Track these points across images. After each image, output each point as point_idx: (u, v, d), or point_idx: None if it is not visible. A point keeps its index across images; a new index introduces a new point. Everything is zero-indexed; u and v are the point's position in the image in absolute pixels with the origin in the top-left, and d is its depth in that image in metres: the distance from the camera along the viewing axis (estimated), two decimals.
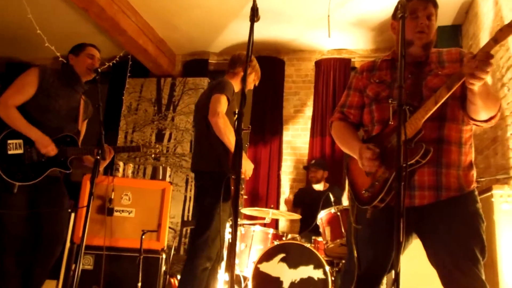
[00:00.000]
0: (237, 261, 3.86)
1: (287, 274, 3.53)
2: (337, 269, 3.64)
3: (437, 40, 1.94)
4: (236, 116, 1.61)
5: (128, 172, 3.61)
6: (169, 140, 5.85)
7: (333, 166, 5.21)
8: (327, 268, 3.45)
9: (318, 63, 5.82)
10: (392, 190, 1.67)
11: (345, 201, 4.45)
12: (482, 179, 3.41)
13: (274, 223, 5.23)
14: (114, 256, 3.16)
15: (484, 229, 1.72)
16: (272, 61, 5.91)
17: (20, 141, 2.63)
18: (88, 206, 2.19)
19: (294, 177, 5.64)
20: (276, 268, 3.56)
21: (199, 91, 5.90)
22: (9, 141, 2.60)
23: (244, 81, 1.70)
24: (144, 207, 3.32)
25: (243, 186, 2.95)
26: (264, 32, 5.43)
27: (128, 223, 3.25)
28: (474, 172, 1.82)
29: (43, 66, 2.82)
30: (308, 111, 5.77)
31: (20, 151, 2.62)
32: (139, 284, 3.02)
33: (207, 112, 2.86)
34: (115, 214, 3.24)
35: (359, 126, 2.08)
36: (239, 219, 3.92)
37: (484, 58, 1.47)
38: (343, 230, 3.48)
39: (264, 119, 5.74)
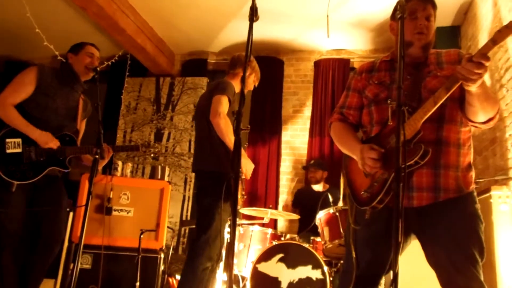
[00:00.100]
0: (235, 261, 3.86)
1: (285, 274, 3.53)
2: (335, 270, 3.64)
3: (436, 41, 1.94)
4: (235, 116, 1.62)
5: (127, 171, 3.61)
6: (167, 139, 5.85)
7: (332, 167, 5.21)
8: (326, 268, 3.45)
9: (317, 63, 5.83)
10: (391, 191, 1.68)
11: (340, 202, 4.46)
12: (480, 180, 3.42)
13: (273, 223, 5.23)
14: (113, 256, 3.16)
15: (483, 230, 1.73)
16: (271, 61, 5.91)
17: (19, 140, 2.62)
18: (86, 205, 2.18)
19: (293, 177, 5.64)
20: (274, 268, 3.57)
21: (198, 91, 5.90)
22: (7, 140, 2.60)
23: (243, 81, 1.70)
24: (143, 207, 3.32)
25: (243, 187, 2.95)
26: (263, 32, 5.43)
27: (126, 223, 3.25)
28: (473, 173, 1.82)
29: (41, 65, 2.82)
30: (307, 111, 5.78)
31: (19, 150, 2.62)
32: (137, 284, 3.02)
33: (208, 113, 2.86)
34: (114, 213, 3.24)
35: (358, 127, 2.08)
36: (237, 219, 3.93)
37: (479, 60, 1.48)
38: (341, 231, 3.49)
39: (263, 119, 5.74)
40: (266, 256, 3.61)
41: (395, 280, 1.31)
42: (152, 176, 3.64)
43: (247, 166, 2.88)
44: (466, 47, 4.58)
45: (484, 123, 1.76)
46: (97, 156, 2.34)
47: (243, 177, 2.88)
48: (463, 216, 1.73)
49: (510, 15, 3.28)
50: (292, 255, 3.57)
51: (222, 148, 2.83)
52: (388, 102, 1.74)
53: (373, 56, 5.45)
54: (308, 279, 3.47)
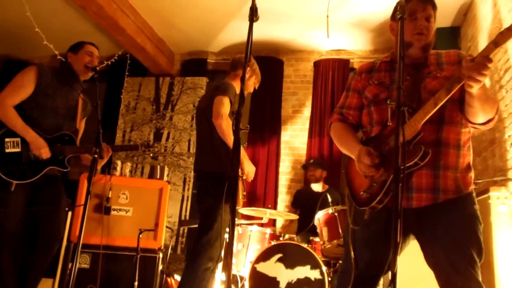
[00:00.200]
0: (234, 260, 3.86)
1: (284, 274, 3.53)
2: (333, 270, 3.65)
3: (436, 41, 1.94)
4: (234, 115, 1.62)
5: (126, 171, 3.61)
6: (167, 139, 5.84)
7: (331, 167, 5.21)
8: (324, 268, 3.45)
9: (317, 64, 5.83)
10: (390, 191, 1.68)
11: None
12: (479, 181, 3.42)
13: (272, 223, 5.23)
14: (111, 255, 3.15)
15: (482, 231, 1.73)
16: (271, 61, 5.91)
17: (18, 139, 2.62)
18: (85, 205, 2.18)
19: (292, 177, 5.64)
20: (273, 268, 3.57)
21: (198, 91, 5.90)
22: (6, 140, 2.60)
23: (243, 80, 1.70)
24: (142, 206, 3.32)
25: (244, 188, 2.96)
26: (263, 32, 5.43)
27: (125, 222, 3.25)
28: (472, 174, 1.82)
29: (41, 65, 2.81)
30: (307, 112, 5.78)
31: (18, 150, 2.62)
32: (136, 283, 3.02)
33: (210, 114, 2.88)
34: (113, 213, 3.24)
35: (358, 127, 2.08)
36: (236, 219, 3.92)
37: (483, 61, 1.48)
38: (340, 231, 3.49)
39: (262, 119, 5.74)
40: (264, 256, 3.61)
41: (393, 281, 1.31)
42: (151, 175, 3.65)
43: (248, 168, 2.89)
44: (466, 48, 4.58)
45: (483, 124, 1.76)
46: (96, 156, 2.34)
47: (244, 177, 2.89)
48: (462, 217, 1.73)
49: (510, 15, 3.28)
50: (291, 255, 3.57)
51: (223, 148, 2.84)
52: (388, 102, 1.74)
53: (373, 56, 5.45)
54: (307, 279, 3.47)
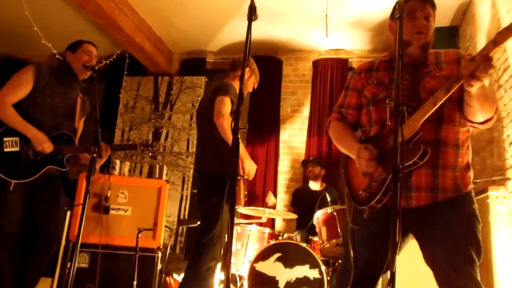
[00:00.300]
0: (233, 260, 3.86)
1: (283, 274, 3.53)
2: (332, 269, 3.65)
3: (434, 41, 1.94)
4: (233, 114, 1.62)
5: (125, 170, 3.61)
6: (166, 138, 5.84)
7: (329, 166, 5.22)
8: (323, 267, 3.46)
9: (316, 63, 5.83)
10: (389, 191, 1.68)
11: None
12: (478, 180, 3.42)
13: (271, 223, 5.23)
14: (110, 255, 3.15)
15: (480, 230, 1.73)
16: (270, 61, 5.91)
17: (16, 138, 2.62)
18: (84, 204, 2.18)
19: (291, 176, 5.64)
20: (272, 267, 3.57)
21: (197, 90, 5.90)
22: (5, 139, 2.59)
23: (242, 79, 1.71)
24: (141, 206, 3.31)
25: (246, 187, 2.97)
26: (262, 31, 5.43)
27: (124, 222, 3.25)
28: (471, 174, 1.82)
29: (39, 64, 2.81)
30: (305, 111, 5.78)
31: (16, 149, 2.61)
32: (135, 283, 3.02)
33: (211, 114, 2.90)
34: (111, 212, 3.23)
35: (356, 127, 2.08)
36: (235, 218, 3.92)
37: (485, 60, 1.48)
38: (339, 230, 3.49)
39: (261, 118, 5.74)
40: (263, 255, 3.61)
41: (392, 280, 1.31)
42: (150, 175, 3.64)
43: (249, 167, 2.91)
44: (464, 47, 4.59)
45: (482, 123, 1.76)
46: (94, 155, 2.34)
47: (246, 177, 2.91)
48: (461, 216, 1.73)
49: (508, 15, 3.29)
50: (290, 255, 3.57)
51: (224, 148, 2.85)
52: (387, 102, 1.74)
53: (372, 56, 5.45)
54: (306, 278, 3.48)
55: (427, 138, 1.73)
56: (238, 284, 3.88)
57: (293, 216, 4.39)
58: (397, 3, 1.61)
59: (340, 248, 3.50)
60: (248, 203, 5.14)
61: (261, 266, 3.58)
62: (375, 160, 1.74)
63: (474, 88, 1.57)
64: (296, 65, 6.01)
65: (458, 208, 1.73)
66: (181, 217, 5.45)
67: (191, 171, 5.61)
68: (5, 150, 2.58)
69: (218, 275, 3.43)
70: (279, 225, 5.44)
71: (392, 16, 1.87)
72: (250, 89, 3.30)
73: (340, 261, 3.56)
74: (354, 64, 5.70)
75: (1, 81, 2.70)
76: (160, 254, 3.27)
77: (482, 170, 3.81)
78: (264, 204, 4.58)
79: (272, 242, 3.69)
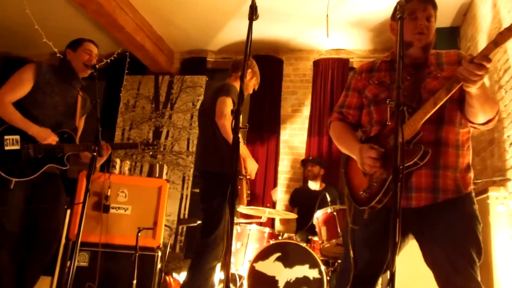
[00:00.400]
0: (232, 259, 3.87)
1: (282, 273, 3.53)
2: (332, 269, 3.65)
3: (435, 41, 1.94)
4: (233, 114, 1.63)
5: (125, 169, 3.61)
6: (166, 137, 5.84)
7: (329, 166, 5.22)
8: (323, 267, 3.46)
9: (316, 63, 5.82)
10: (389, 191, 1.68)
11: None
12: (478, 181, 3.42)
13: (270, 222, 5.23)
14: (110, 253, 3.15)
15: (481, 230, 1.73)
16: (270, 60, 5.91)
17: (17, 137, 2.62)
18: (84, 203, 2.18)
19: (291, 176, 5.64)
20: (271, 267, 3.57)
21: (197, 89, 5.90)
22: (5, 137, 2.59)
23: (242, 79, 1.71)
24: (140, 205, 3.31)
25: (248, 186, 2.99)
26: (263, 31, 5.43)
27: (124, 220, 3.25)
28: (471, 174, 1.82)
29: (39, 62, 2.81)
30: (306, 111, 5.78)
31: (17, 147, 2.61)
32: (134, 282, 3.02)
33: (213, 114, 2.92)
34: (111, 211, 3.23)
35: (357, 127, 2.08)
36: (235, 218, 3.92)
37: (481, 61, 1.48)
38: (339, 230, 3.49)
39: (261, 118, 5.73)
40: (263, 255, 3.61)
41: (392, 280, 1.31)
42: (150, 174, 3.63)
43: (251, 167, 2.93)
44: (465, 48, 4.58)
45: (483, 124, 1.76)
46: (95, 154, 2.34)
47: (248, 176, 2.93)
48: (462, 217, 1.73)
49: (509, 16, 3.28)
50: (290, 254, 3.57)
51: (226, 148, 2.87)
52: (387, 102, 1.73)
53: (373, 56, 5.45)
54: (305, 278, 3.48)
55: (428, 139, 1.73)
56: (238, 284, 3.88)
57: (293, 216, 4.39)
58: (398, 3, 1.61)
59: (340, 248, 3.50)
60: (248, 203, 5.14)
61: (260, 266, 3.58)
62: (380, 159, 1.74)
63: (473, 89, 1.57)
64: (296, 65, 6.01)
65: (458, 209, 1.73)
66: (181, 216, 5.45)
67: (191, 170, 5.61)
68: (6, 148, 2.58)
69: (218, 274, 3.43)
70: (279, 224, 5.43)
71: (393, 16, 1.87)
72: (251, 91, 3.33)
73: (339, 261, 3.57)
74: (355, 64, 5.69)
75: (2, 79, 2.70)
76: (160, 253, 3.26)
77: (483, 170, 3.81)
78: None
79: (272, 241, 3.69)
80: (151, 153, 5.58)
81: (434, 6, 1.87)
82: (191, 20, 5.37)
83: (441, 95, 1.63)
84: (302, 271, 3.50)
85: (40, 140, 2.63)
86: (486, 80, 1.57)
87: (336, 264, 3.70)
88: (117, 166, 3.51)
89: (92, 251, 3.12)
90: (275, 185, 5.52)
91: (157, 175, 3.60)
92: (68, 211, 3.28)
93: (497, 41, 1.46)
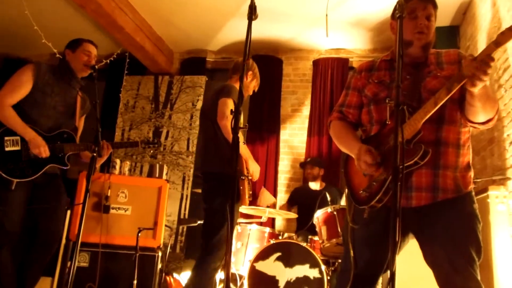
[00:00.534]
0: (233, 259, 3.87)
1: (283, 273, 3.53)
2: (332, 269, 3.65)
3: (435, 41, 1.94)
4: (233, 114, 1.63)
5: (125, 169, 3.61)
6: (166, 138, 5.84)
7: (329, 166, 5.22)
8: (323, 267, 3.46)
9: (316, 63, 5.82)
10: (389, 190, 1.68)
11: (343, 202, 4.46)
12: (478, 180, 3.42)
13: (271, 222, 5.23)
14: (110, 254, 3.15)
15: (481, 229, 1.73)
16: (270, 60, 5.91)
17: (17, 137, 2.62)
18: (84, 203, 2.18)
19: (291, 176, 5.64)
20: (272, 267, 3.57)
21: (197, 89, 5.90)
22: (6, 138, 2.60)
23: (241, 78, 1.71)
24: (141, 205, 3.31)
25: (250, 187, 3.01)
26: (262, 30, 5.43)
27: (124, 221, 3.25)
28: (471, 174, 1.82)
29: (38, 63, 2.81)
30: (306, 110, 5.78)
31: (17, 148, 2.61)
32: (135, 282, 3.02)
33: (214, 116, 2.95)
34: (111, 211, 3.23)
35: (357, 126, 2.08)
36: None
37: (485, 60, 1.48)
38: (339, 230, 3.49)
39: (261, 117, 5.73)
40: (263, 254, 3.61)
41: (392, 279, 1.31)
42: (150, 174, 3.63)
43: (253, 168, 2.97)
44: (465, 47, 4.58)
45: (483, 123, 1.76)
46: (94, 154, 2.34)
47: (250, 178, 2.95)
48: (461, 216, 1.73)
49: (509, 15, 3.28)
50: (290, 254, 3.57)
51: (228, 149, 2.88)
52: (387, 101, 1.73)
53: (372, 55, 5.45)
54: (306, 278, 3.48)
55: (428, 138, 1.73)
56: (238, 284, 3.88)
57: (293, 215, 4.39)
58: (398, 2, 1.61)
59: (340, 247, 3.50)
60: (249, 203, 5.14)
61: (261, 266, 3.58)
62: (376, 164, 1.74)
63: (477, 88, 1.57)
64: (296, 65, 6.01)
65: (458, 208, 1.73)
66: (181, 217, 5.45)
67: (192, 170, 5.61)
68: (6, 149, 2.58)
69: (219, 274, 3.43)
70: (279, 224, 5.44)
71: (393, 15, 1.87)
72: (251, 92, 3.36)
73: (340, 261, 3.56)
74: (354, 64, 5.69)
75: (2, 80, 2.70)
76: (160, 254, 3.26)
77: (482, 169, 3.81)
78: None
79: (272, 241, 3.69)
80: (152, 151, 5.59)
81: (434, 5, 1.87)
82: (191, 20, 5.37)
83: (441, 94, 1.63)
84: (303, 270, 3.50)
85: (32, 148, 2.59)
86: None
87: (336, 263, 3.70)
88: (117, 167, 3.51)
89: (92, 251, 3.12)
90: (275, 185, 5.50)
91: (157, 175, 3.60)
92: (68, 212, 3.28)
93: (498, 41, 1.46)
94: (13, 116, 2.61)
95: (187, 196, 5.54)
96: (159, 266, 3.28)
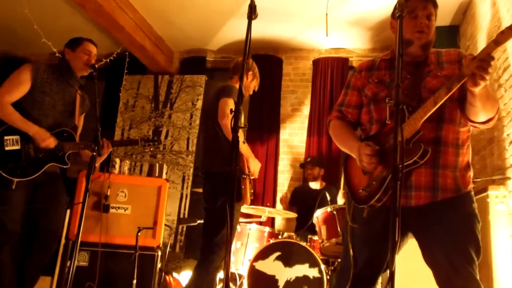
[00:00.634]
0: (232, 259, 3.87)
1: (282, 273, 3.53)
2: (332, 268, 3.65)
3: (435, 40, 1.94)
4: (233, 113, 1.64)
5: (125, 168, 3.60)
6: (165, 137, 5.84)
7: (329, 165, 5.21)
8: (323, 266, 3.46)
9: (316, 62, 5.82)
10: (389, 189, 1.68)
11: (340, 200, 4.46)
12: (478, 180, 3.42)
13: (270, 222, 5.23)
14: (110, 253, 3.14)
15: (480, 229, 1.73)
16: (270, 60, 5.90)
17: (17, 137, 2.62)
18: (83, 203, 2.18)
19: (291, 175, 5.64)
20: (271, 266, 3.57)
21: (197, 89, 5.89)
22: (5, 137, 2.60)
23: (241, 78, 1.71)
24: (140, 204, 3.31)
25: (252, 185, 3.03)
26: (262, 30, 5.42)
27: (124, 220, 3.24)
28: (471, 173, 1.82)
29: (37, 62, 2.82)
30: (306, 110, 5.77)
31: (17, 147, 2.61)
32: (134, 281, 3.02)
33: (216, 116, 2.98)
34: (111, 210, 3.23)
35: (357, 125, 2.08)
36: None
37: (485, 58, 1.48)
38: (339, 229, 3.49)
39: (261, 117, 5.73)
40: (263, 254, 3.61)
41: (391, 279, 1.31)
42: (150, 173, 3.63)
43: (255, 166, 3.04)
44: (465, 46, 4.58)
45: (484, 123, 1.76)
46: (94, 153, 2.34)
47: (252, 177, 2.97)
48: (461, 216, 1.73)
49: (508, 14, 3.28)
50: (289, 254, 3.57)
51: (229, 148, 2.88)
52: (387, 101, 1.73)
53: (372, 55, 5.45)
54: (305, 277, 3.48)
55: (428, 138, 1.73)
56: (238, 283, 3.88)
57: (293, 215, 4.39)
58: (398, 1, 1.60)
59: (340, 247, 3.50)
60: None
61: (260, 265, 3.58)
62: (376, 156, 1.74)
63: (479, 88, 1.56)
64: (296, 64, 6.01)
65: (457, 208, 1.73)
66: (181, 216, 5.45)
67: (191, 169, 5.61)
68: (6, 148, 2.58)
69: (218, 274, 3.43)
70: (279, 224, 5.44)
71: (393, 15, 1.87)
72: (251, 92, 3.39)
73: (339, 260, 3.57)
74: (354, 63, 5.69)
75: (1, 79, 2.70)
76: (159, 253, 3.26)
77: (482, 169, 3.81)
78: (268, 197, 4.58)
79: (271, 241, 3.69)
80: (152, 149, 5.58)
81: (434, 5, 1.87)
82: (191, 19, 5.37)
83: (441, 94, 1.63)
84: (302, 270, 3.50)
85: (39, 142, 2.62)
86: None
87: (336, 263, 3.71)
88: (117, 166, 3.51)
89: (92, 250, 3.12)
90: (275, 184, 5.50)
91: (156, 175, 3.59)
92: (68, 211, 3.28)
93: (498, 40, 1.46)
94: (13, 113, 2.61)
95: (186, 195, 5.54)
96: (159, 265, 3.28)
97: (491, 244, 2.83)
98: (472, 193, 1.80)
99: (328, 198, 3.87)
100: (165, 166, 3.70)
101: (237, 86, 3.10)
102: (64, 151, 2.74)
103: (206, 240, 2.96)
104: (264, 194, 5.45)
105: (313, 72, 5.83)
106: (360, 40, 5.59)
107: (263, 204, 4.97)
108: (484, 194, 3.00)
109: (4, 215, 2.56)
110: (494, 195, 2.94)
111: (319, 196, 4.28)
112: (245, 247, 3.91)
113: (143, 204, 3.31)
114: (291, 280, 3.50)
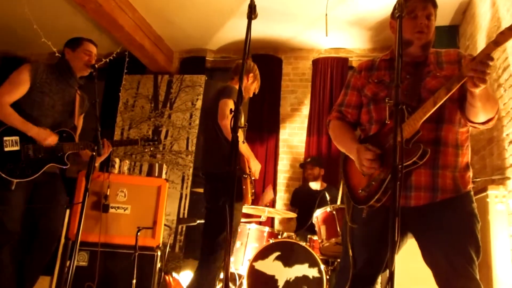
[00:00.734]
0: (232, 258, 3.87)
1: (282, 272, 3.53)
2: (332, 268, 3.65)
3: (434, 40, 1.94)
4: (232, 113, 1.64)
5: (124, 168, 3.60)
6: (165, 137, 5.83)
7: (329, 165, 5.21)
8: (322, 266, 3.46)
9: (316, 62, 5.82)
10: (388, 190, 1.68)
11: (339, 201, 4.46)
12: (477, 180, 3.42)
13: (270, 222, 5.23)
14: (109, 253, 3.14)
15: (479, 229, 1.73)
16: (270, 59, 5.89)
17: (16, 138, 2.62)
18: (83, 203, 2.18)
19: (291, 175, 5.64)
20: (271, 266, 3.57)
21: (196, 89, 5.89)
22: (5, 138, 2.60)
23: (241, 78, 1.71)
24: (140, 204, 3.31)
25: (253, 185, 3.04)
26: (262, 30, 5.42)
27: (123, 220, 3.24)
28: (470, 173, 1.82)
29: (36, 62, 2.82)
30: (305, 110, 5.77)
31: (17, 148, 2.61)
32: (134, 281, 3.02)
33: (216, 116, 3.00)
34: (111, 210, 3.22)
35: (356, 125, 2.08)
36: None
37: (484, 59, 1.48)
38: (338, 229, 3.49)
39: (261, 117, 5.73)
40: (263, 254, 3.61)
41: (391, 279, 1.31)
42: (150, 173, 3.63)
43: (255, 167, 3.07)
44: (464, 46, 4.58)
45: (483, 123, 1.76)
46: (94, 153, 2.34)
47: (253, 178, 2.97)
48: (461, 216, 1.73)
49: (508, 14, 3.28)
50: (289, 253, 3.57)
51: (229, 149, 2.90)
52: (387, 101, 1.73)
53: (371, 55, 5.45)
54: (305, 277, 3.48)
55: (427, 138, 1.73)
56: (238, 283, 3.89)
57: (293, 215, 4.39)
58: (397, 2, 1.60)
59: (339, 247, 3.50)
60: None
61: (260, 265, 3.59)
62: (377, 160, 1.74)
63: (479, 89, 1.56)
64: (296, 64, 6.01)
65: (457, 208, 1.73)
66: (181, 216, 5.45)
67: (191, 169, 5.61)
68: (6, 149, 2.58)
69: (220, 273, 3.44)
70: (278, 223, 5.43)
71: (393, 15, 1.87)
72: (251, 94, 3.41)
73: (339, 260, 3.57)
74: (354, 63, 5.69)
75: (1, 79, 2.70)
76: (159, 253, 3.26)
77: (482, 169, 3.81)
78: (260, 201, 4.57)
79: (271, 241, 3.69)
80: (151, 149, 5.58)
81: (434, 5, 1.87)
82: (191, 19, 5.36)
83: (440, 94, 1.63)
84: (302, 270, 3.50)
85: (41, 141, 2.63)
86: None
87: (335, 263, 3.71)
88: (117, 166, 3.51)
89: (91, 250, 3.11)
90: (274, 184, 5.50)
91: (156, 175, 3.59)
92: (68, 211, 3.27)
93: (497, 41, 1.46)
94: (13, 114, 2.61)
95: (186, 195, 5.54)
96: (158, 265, 3.28)
97: (491, 244, 2.83)
98: (472, 193, 1.80)
99: (328, 198, 3.87)
100: (164, 166, 3.70)
101: (237, 87, 3.12)
102: (64, 151, 2.74)
103: (207, 240, 2.96)
104: (264, 194, 5.44)
105: (313, 72, 5.83)
106: (360, 40, 5.59)
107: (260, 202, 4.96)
108: (484, 194, 3.00)
109: (4, 215, 2.56)
110: (494, 195, 2.94)
111: (319, 196, 4.28)
112: (244, 247, 3.91)
113: (143, 204, 3.31)
114: (291, 280, 3.50)
